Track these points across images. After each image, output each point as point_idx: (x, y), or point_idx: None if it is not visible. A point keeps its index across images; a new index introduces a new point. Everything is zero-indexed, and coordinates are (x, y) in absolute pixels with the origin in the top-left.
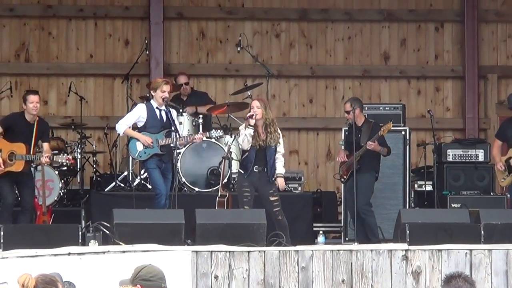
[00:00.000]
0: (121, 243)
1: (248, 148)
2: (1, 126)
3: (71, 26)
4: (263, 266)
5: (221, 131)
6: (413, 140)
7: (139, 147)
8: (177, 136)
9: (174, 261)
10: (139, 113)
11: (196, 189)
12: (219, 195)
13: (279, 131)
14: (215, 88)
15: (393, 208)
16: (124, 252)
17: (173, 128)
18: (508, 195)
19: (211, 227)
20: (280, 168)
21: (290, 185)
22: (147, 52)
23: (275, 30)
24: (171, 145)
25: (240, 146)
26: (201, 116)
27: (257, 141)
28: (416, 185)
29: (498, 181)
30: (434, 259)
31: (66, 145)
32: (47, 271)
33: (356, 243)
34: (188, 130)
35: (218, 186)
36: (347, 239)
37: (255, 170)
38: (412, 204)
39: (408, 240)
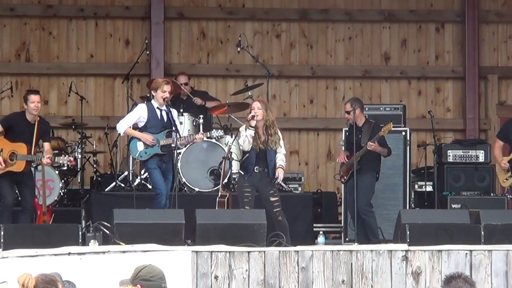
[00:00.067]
0: (121, 243)
1: (249, 150)
2: (2, 125)
3: (72, 26)
4: (263, 266)
5: (222, 131)
6: (414, 141)
7: (140, 147)
8: (178, 136)
9: (174, 261)
10: (139, 113)
11: (196, 189)
12: (219, 195)
13: (279, 133)
14: (216, 88)
15: (393, 209)
16: (124, 252)
17: (173, 128)
18: (509, 196)
19: (211, 227)
20: (281, 161)
21: (290, 186)
22: (148, 52)
23: (275, 31)
24: (172, 145)
25: (241, 147)
26: (201, 116)
27: (257, 143)
28: (416, 186)
29: (500, 182)
30: (434, 260)
31: (67, 145)
32: (47, 271)
33: (356, 244)
34: (189, 130)
35: (218, 186)
36: (347, 239)
37: (255, 170)
38: (412, 205)
39: (408, 240)
